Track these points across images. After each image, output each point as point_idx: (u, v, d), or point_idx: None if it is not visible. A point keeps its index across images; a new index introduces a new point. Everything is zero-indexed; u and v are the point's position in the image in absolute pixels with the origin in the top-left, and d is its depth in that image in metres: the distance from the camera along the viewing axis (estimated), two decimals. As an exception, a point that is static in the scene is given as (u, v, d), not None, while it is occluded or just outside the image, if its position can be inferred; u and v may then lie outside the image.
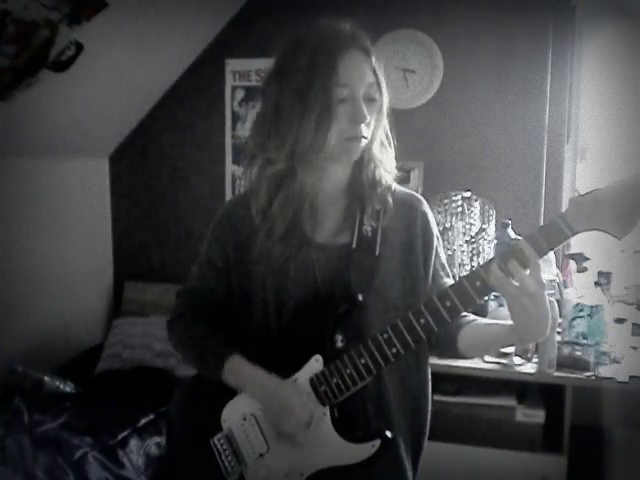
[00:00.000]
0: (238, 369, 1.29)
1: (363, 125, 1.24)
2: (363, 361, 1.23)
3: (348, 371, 1.24)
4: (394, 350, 1.21)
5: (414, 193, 1.42)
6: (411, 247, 1.35)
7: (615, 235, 1.11)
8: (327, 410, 1.26)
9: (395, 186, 1.38)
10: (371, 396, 1.32)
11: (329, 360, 1.26)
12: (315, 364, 1.27)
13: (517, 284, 1.13)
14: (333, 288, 1.29)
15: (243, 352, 1.31)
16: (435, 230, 1.39)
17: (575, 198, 1.12)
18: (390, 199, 1.34)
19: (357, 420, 1.31)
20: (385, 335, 1.22)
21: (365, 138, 1.26)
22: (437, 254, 1.39)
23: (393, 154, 1.36)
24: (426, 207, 1.39)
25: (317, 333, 1.27)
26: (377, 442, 1.24)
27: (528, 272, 1.13)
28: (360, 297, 1.26)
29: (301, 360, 1.28)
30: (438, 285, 1.37)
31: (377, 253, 1.30)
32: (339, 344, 1.26)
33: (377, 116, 1.28)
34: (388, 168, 1.35)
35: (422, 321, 1.19)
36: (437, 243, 1.39)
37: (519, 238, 1.19)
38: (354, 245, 1.31)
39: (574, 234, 1.12)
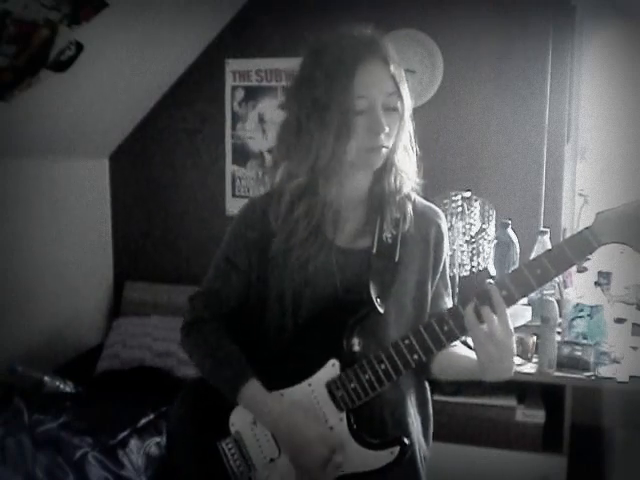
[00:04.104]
0: (253, 398, 1.27)
1: (383, 135, 1.22)
2: (383, 367, 1.22)
3: (367, 376, 1.23)
4: (415, 356, 1.21)
5: (432, 206, 1.42)
6: (425, 257, 1.35)
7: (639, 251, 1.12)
8: (344, 415, 1.25)
9: (415, 196, 1.37)
10: (387, 400, 1.31)
11: (345, 365, 1.24)
12: (331, 368, 1.25)
13: (486, 330, 1.14)
14: (352, 291, 1.28)
15: (258, 359, 1.29)
16: (447, 248, 1.39)
17: (603, 212, 1.13)
18: (410, 208, 1.34)
19: (373, 425, 1.30)
20: (406, 341, 1.21)
21: (386, 148, 1.25)
22: (443, 271, 1.39)
23: (415, 161, 1.34)
24: (442, 221, 1.39)
25: (334, 336, 1.26)
26: (396, 449, 1.23)
27: (496, 318, 1.14)
28: (379, 301, 1.26)
29: (316, 363, 1.26)
30: (438, 306, 1.37)
31: (397, 259, 1.30)
32: (356, 348, 1.25)
33: (399, 124, 1.26)
34: (410, 176, 1.34)
35: (445, 328, 1.19)
36: (446, 260, 1.40)
37: (491, 282, 1.19)
38: (374, 250, 1.30)
39: (600, 246, 1.13)
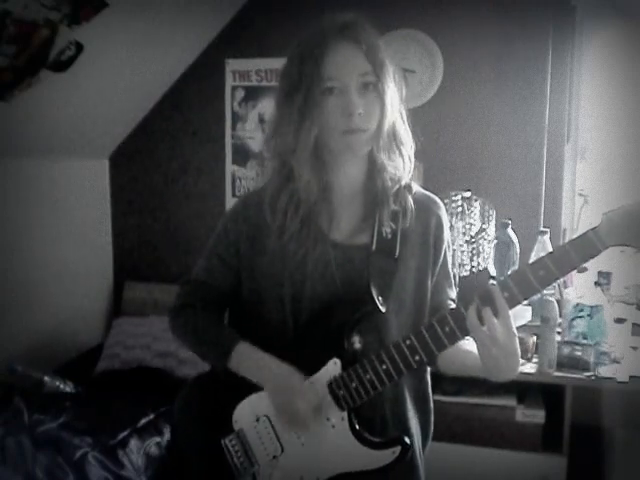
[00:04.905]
0: (245, 355, 1.27)
1: (358, 117, 1.20)
2: (384, 367, 1.22)
3: (368, 376, 1.22)
4: (417, 357, 1.20)
5: (432, 195, 1.40)
6: (425, 250, 1.34)
7: None
8: (345, 414, 1.25)
9: (415, 187, 1.36)
10: (388, 399, 1.32)
11: (347, 363, 1.24)
12: (333, 367, 1.25)
13: (488, 333, 1.13)
14: (352, 289, 1.28)
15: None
16: (447, 237, 1.38)
17: (607, 213, 1.11)
18: (410, 200, 1.32)
19: (374, 423, 1.30)
20: (408, 341, 1.20)
21: (363, 130, 1.23)
22: (444, 262, 1.38)
23: (411, 148, 1.32)
24: (442, 211, 1.38)
25: (335, 334, 1.25)
26: (397, 449, 1.23)
27: (498, 320, 1.13)
28: (380, 299, 1.25)
29: (317, 362, 1.26)
30: (440, 297, 1.37)
31: (396, 255, 1.29)
32: (357, 346, 1.25)
33: (381, 106, 1.23)
34: (404, 165, 1.31)
35: (447, 329, 1.18)
36: (446, 251, 1.38)
37: (494, 283, 1.18)
38: (374, 247, 1.29)
39: (605, 248, 1.11)
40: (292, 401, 1.23)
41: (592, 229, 1.11)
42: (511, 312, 1.14)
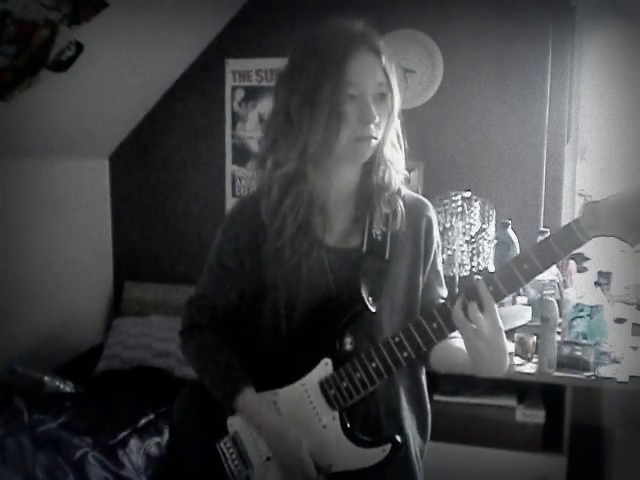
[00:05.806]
0: (248, 407, 1.29)
1: (372, 125, 1.22)
2: (374, 365, 1.22)
3: (358, 375, 1.23)
4: (405, 354, 1.21)
5: (422, 198, 1.41)
6: (416, 252, 1.35)
7: (629, 242, 1.10)
8: (336, 414, 1.26)
9: (405, 190, 1.37)
10: (382, 398, 1.32)
11: (338, 363, 1.25)
12: (324, 367, 1.26)
13: (474, 327, 1.13)
14: (344, 291, 1.28)
15: (253, 359, 1.31)
16: (437, 237, 1.39)
17: (590, 204, 1.11)
18: (400, 203, 1.33)
19: (368, 422, 1.30)
20: (396, 339, 1.21)
21: (375, 139, 1.24)
22: (434, 261, 1.39)
23: (403, 155, 1.34)
24: (432, 212, 1.39)
25: (327, 335, 1.26)
26: (387, 447, 1.24)
27: (483, 315, 1.13)
28: (371, 300, 1.26)
29: (309, 363, 1.27)
30: (430, 295, 1.38)
31: (387, 257, 1.30)
32: (348, 347, 1.25)
33: (388, 117, 1.26)
34: (398, 170, 1.33)
35: (434, 325, 1.19)
36: (436, 251, 1.39)
37: (479, 278, 1.18)
38: (364, 249, 1.30)
39: (588, 240, 1.11)
40: (293, 465, 1.24)
41: (574, 220, 1.11)
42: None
